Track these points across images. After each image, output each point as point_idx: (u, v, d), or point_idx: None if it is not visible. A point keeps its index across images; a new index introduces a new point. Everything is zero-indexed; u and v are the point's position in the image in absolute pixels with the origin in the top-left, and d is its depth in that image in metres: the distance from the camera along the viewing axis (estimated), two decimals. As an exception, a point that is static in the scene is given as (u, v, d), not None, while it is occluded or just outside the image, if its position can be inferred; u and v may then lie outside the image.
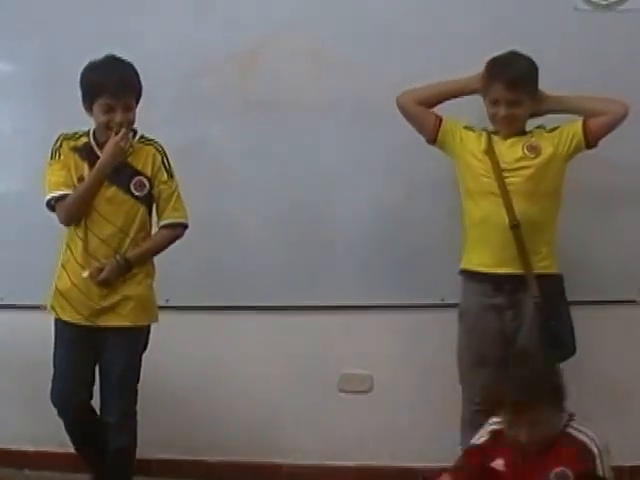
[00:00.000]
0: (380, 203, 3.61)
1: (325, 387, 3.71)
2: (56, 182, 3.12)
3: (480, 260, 3.13)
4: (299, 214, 3.66)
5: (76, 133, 3.19)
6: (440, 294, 3.48)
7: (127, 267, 3.10)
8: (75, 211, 3.10)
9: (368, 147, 3.58)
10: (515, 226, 3.02)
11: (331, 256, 3.67)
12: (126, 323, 3.12)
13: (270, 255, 3.68)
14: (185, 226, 3.22)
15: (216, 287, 3.68)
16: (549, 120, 3.16)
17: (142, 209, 3.15)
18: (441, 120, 3.19)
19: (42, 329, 3.55)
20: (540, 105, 3.12)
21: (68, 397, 3.15)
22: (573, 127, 3.08)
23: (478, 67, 3.12)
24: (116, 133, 3.06)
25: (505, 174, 3.05)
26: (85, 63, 3.12)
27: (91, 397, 3.19)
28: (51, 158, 3.15)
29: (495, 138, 3.12)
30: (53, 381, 3.16)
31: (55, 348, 3.18)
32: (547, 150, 3.06)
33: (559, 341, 3.01)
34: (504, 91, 3.04)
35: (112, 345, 3.13)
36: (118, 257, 3.09)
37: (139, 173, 3.14)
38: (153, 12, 3.66)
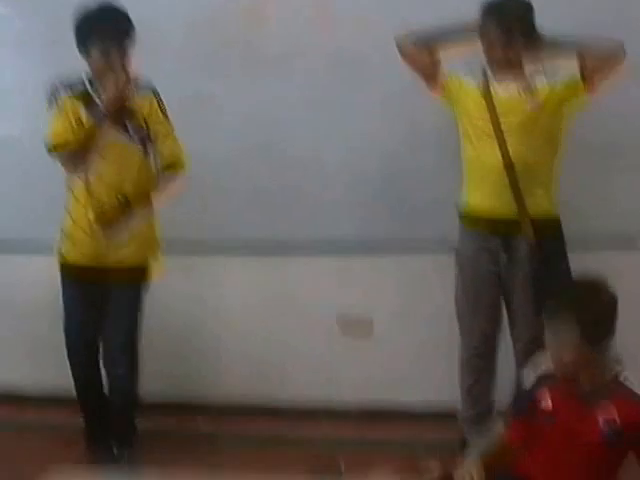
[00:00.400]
0: (381, 147, 3.59)
1: (326, 330, 3.75)
2: (56, 129, 3.16)
3: (476, 202, 3.15)
4: (295, 156, 3.66)
5: (72, 80, 3.21)
6: (441, 238, 3.44)
7: (128, 206, 3.17)
8: (76, 157, 3.16)
9: (368, 93, 3.57)
10: (509, 166, 3.02)
11: (331, 198, 3.67)
12: (130, 261, 3.22)
13: (271, 196, 3.69)
14: (182, 165, 3.27)
15: (216, 228, 3.70)
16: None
17: (140, 150, 3.21)
18: (439, 63, 3.18)
19: (44, 274, 3.61)
20: (539, 48, 3.09)
21: (78, 334, 3.27)
22: (571, 68, 3.05)
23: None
24: (113, 78, 3.09)
25: (500, 115, 3.04)
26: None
27: (98, 337, 3.29)
28: (50, 106, 3.19)
29: (492, 80, 3.11)
30: (65, 321, 3.28)
31: (63, 290, 3.27)
32: (543, 91, 3.05)
33: (553, 285, 2.94)
34: (498, 33, 3.02)
35: (117, 284, 3.22)
36: (119, 197, 3.15)
37: (136, 115, 3.20)
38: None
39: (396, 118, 3.57)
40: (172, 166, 3.26)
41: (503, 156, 3.02)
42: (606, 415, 2.28)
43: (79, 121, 3.15)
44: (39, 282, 3.74)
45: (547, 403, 2.41)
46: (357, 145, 3.62)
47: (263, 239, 3.72)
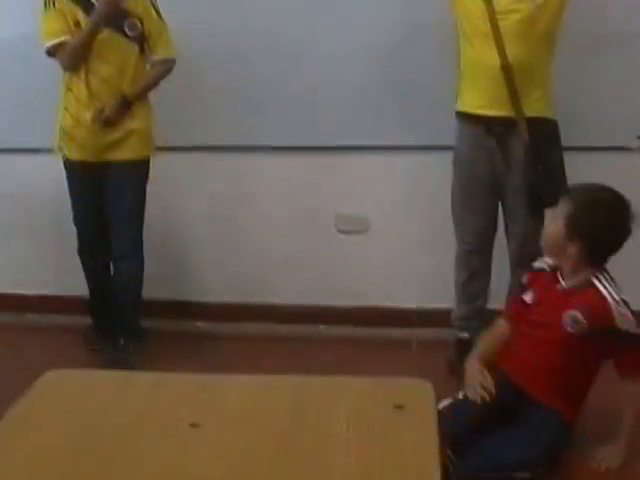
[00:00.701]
0: (377, 44, 3.53)
1: (322, 228, 3.79)
2: (54, 30, 3.19)
3: (472, 101, 3.16)
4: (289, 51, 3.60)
5: None
6: (438, 135, 3.43)
7: (127, 104, 3.24)
8: (77, 56, 3.20)
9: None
10: (506, 67, 3.01)
11: (330, 98, 3.62)
12: (130, 156, 3.31)
13: (268, 95, 3.64)
14: (174, 61, 3.33)
15: (210, 129, 3.69)
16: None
17: (136, 48, 3.26)
18: None
19: (40, 173, 3.72)
20: None
21: (87, 226, 3.43)
22: None
23: None
24: None
25: (498, 16, 3.02)
26: None
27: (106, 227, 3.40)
28: (45, 7, 3.20)
29: None
30: (73, 213, 3.43)
31: (69, 185, 3.40)
32: None
33: (547, 186, 3.00)
34: None
35: (118, 178, 3.33)
36: (118, 97, 3.21)
37: (131, 14, 3.22)
38: None
39: (394, 15, 3.50)
40: (164, 63, 3.32)
41: (501, 58, 3.01)
42: (574, 309, 2.46)
43: (77, 22, 3.17)
44: (40, 180, 3.80)
45: (531, 292, 2.64)
46: (354, 42, 3.55)
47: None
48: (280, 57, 3.59)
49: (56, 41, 3.18)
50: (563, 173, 3.11)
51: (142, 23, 3.24)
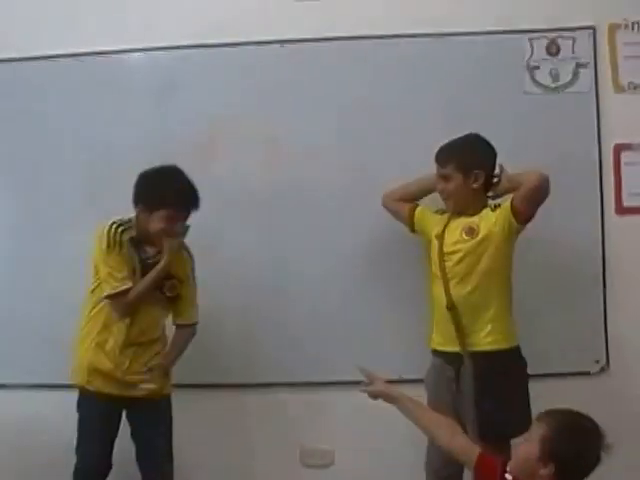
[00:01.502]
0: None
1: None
2: (122, 276, 3.21)
3: (436, 338, 3.27)
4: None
5: (126, 223, 3.28)
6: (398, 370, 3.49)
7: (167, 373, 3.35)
8: (135, 306, 3.25)
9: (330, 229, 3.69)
10: (450, 307, 3.13)
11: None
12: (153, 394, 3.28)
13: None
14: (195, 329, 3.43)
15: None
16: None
17: (167, 308, 3.37)
18: (414, 210, 3.37)
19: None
20: (497, 186, 3.23)
21: (95, 470, 3.28)
22: (505, 204, 3.14)
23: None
24: (170, 243, 3.24)
25: (445, 257, 3.16)
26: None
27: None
28: (109, 247, 3.20)
29: (451, 221, 3.23)
30: (79, 457, 3.28)
31: (84, 421, 3.29)
32: (483, 231, 3.14)
33: (496, 418, 2.99)
34: (437, 166, 3.20)
35: (150, 414, 3.30)
36: (157, 365, 3.29)
37: (173, 276, 3.33)
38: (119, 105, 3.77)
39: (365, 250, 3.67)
40: (192, 327, 3.41)
41: (447, 297, 3.13)
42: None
43: (132, 268, 3.24)
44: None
45: None
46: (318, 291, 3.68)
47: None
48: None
49: (123, 288, 3.19)
50: (520, 403, 3.09)
51: (181, 286, 3.34)
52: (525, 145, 3.57)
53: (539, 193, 3.05)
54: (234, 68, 3.73)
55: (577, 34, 3.64)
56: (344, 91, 3.69)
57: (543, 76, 3.64)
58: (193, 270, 3.40)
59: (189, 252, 3.39)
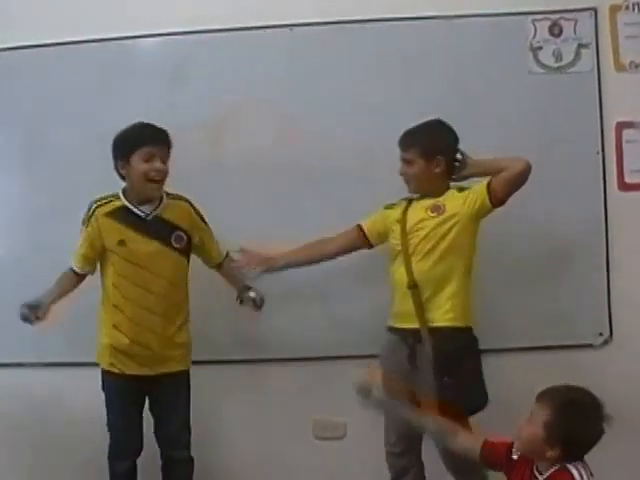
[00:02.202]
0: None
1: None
2: (79, 256, 3.37)
3: (392, 315, 3.32)
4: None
5: (107, 197, 3.35)
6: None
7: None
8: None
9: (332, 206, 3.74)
10: (411, 285, 3.18)
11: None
12: (181, 367, 3.38)
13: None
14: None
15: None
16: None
17: (184, 260, 3.40)
18: (362, 229, 3.43)
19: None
20: (462, 169, 3.28)
21: (129, 445, 3.39)
22: (479, 186, 3.18)
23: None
24: (153, 181, 3.26)
25: (408, 235, 3.22)
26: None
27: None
28: (83, 224, 3.34)
29: (413, 203, 3.31)
30: (112, 433, 3.38)
31: (112, 401, 3.37)
32: (451, 209, 3.18)
33: (456, 395, 3.01)
34: (400, 150, 3.28)
35: (169, 389, 3.36)
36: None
37: (177, 227, 3.36)
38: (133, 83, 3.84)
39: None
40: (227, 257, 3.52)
41: (408, 276, 3.18)
42: None
43: (121, 241, 3.27)
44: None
45: None
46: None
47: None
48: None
49: (75, 268, 3.38)
50: (477, 378, 3.14)
51: (188, 235, 3.37)
52: (528, 124, 3.66)
53: (523, 179, 3.11)
54: (244, 52, 3.79)
55: (579, 15, 3.72)
56: (351, 74, 3.75)
57: (546, 56, 3.71)
58: (200, 215, 3.42)
59: (187, 201, 3.40)
